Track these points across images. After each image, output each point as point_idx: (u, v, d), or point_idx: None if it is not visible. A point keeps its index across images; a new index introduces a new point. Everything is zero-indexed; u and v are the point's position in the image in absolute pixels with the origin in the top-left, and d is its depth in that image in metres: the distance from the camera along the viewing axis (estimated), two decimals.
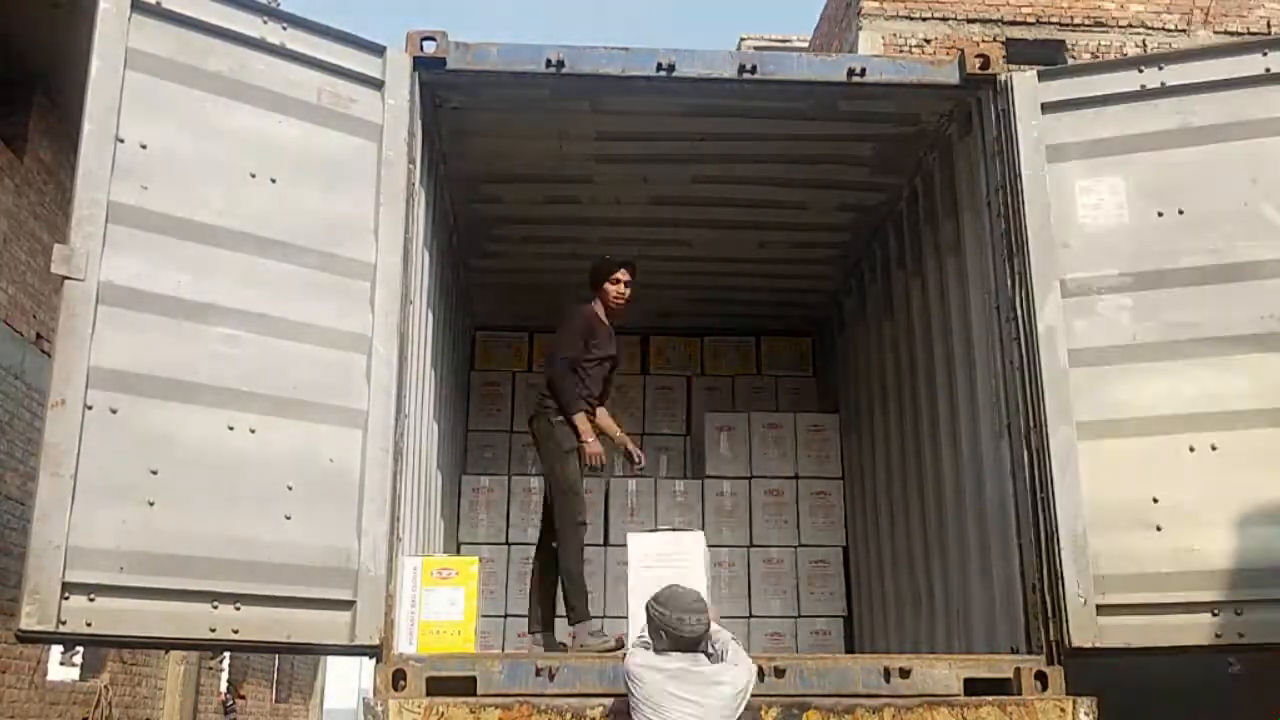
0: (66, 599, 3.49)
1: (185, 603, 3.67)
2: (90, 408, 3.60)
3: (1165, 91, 4.49)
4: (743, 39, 17.70)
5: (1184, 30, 12.21)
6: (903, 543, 6.23)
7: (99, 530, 3.55)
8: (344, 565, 3.90)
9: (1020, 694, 3.97)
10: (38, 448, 3.62)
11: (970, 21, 12.10)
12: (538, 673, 3.91)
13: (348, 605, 3.89)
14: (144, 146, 3.87)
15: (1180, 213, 4.37)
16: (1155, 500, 4.13)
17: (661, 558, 4.53)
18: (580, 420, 5.17)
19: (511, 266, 7.07)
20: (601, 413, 5.52)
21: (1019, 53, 11.61)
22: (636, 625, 3.96)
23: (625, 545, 6.78)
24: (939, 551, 5.58)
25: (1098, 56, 11.77)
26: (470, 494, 7.30)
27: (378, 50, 4.41)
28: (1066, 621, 4.02)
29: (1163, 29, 12.22)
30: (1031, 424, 4.29)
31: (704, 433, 7.58)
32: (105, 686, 10.33)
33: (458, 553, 6.82)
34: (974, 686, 4.02)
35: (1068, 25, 12.21)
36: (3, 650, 8.20)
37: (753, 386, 8.13)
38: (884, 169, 5.81)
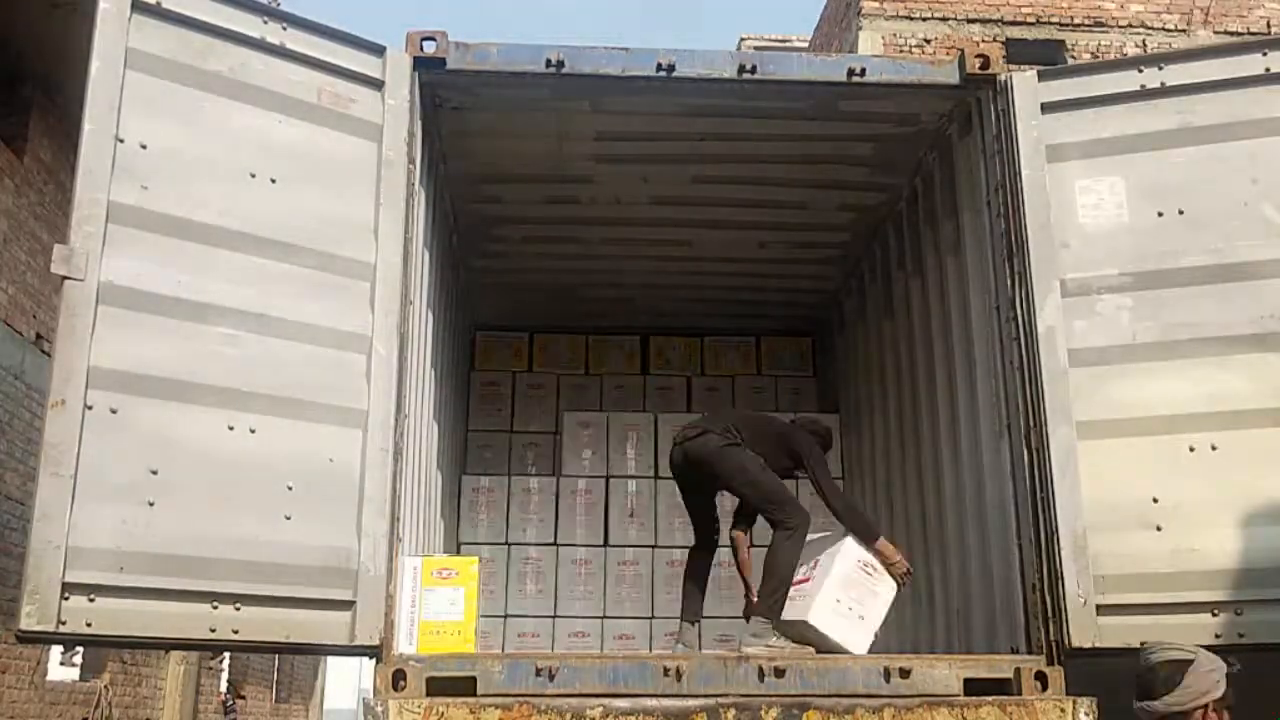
0: (66, 599, 3.48)
1: (185, 603, 3.66)
2: (90, 408, 3.59)
3: (1165, 91, 4.48)
4: (743, 39, 17.72)
5: (1184, 30, 12.21)
6: (903, 543, 6.21)
7: (99, 530, 3.54)
8: (344, 565, 3.90)
9: (1020, 694, 3.96)
10: (38, 448, 3.62)
11: (970, 21, 12.10)
12: (538, 673, 3.91)
13: (348, 605, 3.88)
14: (144, 146, 3.86)
15: (1180, 213, 4.37)
16: (1155, 500, 4.13)
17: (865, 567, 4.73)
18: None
19: (511, 266, 7.07)
20: None
21: (1019, 53, 11.61)
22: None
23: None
24: (939, 551, 5.58)
25: (1098, 56, 11.77)
26: (470, 494, 7.30)
27: (377, 50, 4.41)
28: (1066, 621, 4.01)
29: (1163, 29, 12.22)
30: (1031, 424, 4.28)
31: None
32: (105, 686, 10.33)
33: (458, 553, 6.81)
34: (974, 686, 4.01)
35: (1068, 25, 12.21)
36: (3, 650, 8.20)
37: (753, 386, 8.10)
38: (884, 169, 5.81)
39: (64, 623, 3.49)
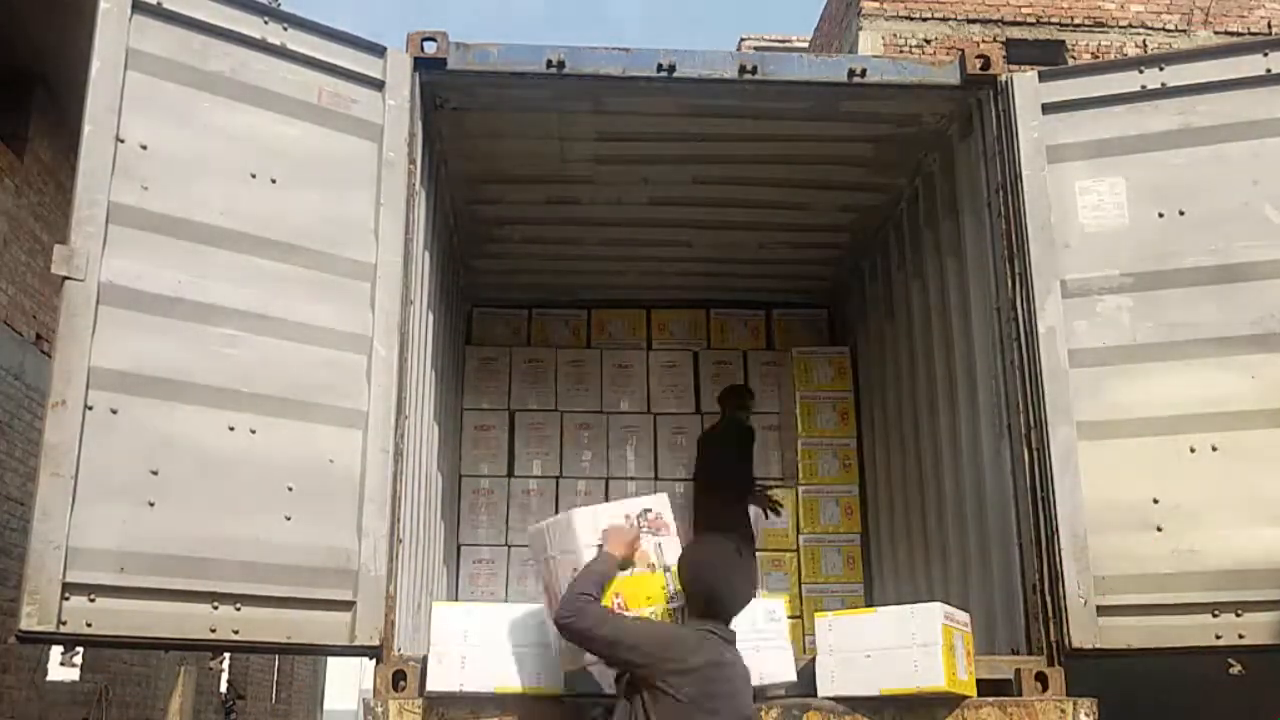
0: (67, 599, 3.49)
1: (185, 603, 3.66)
2: (90, 408, 3.60)
3: (1166, 92, 4.48)
4: (743, 39, 17.73)
5: (1184, 30, 12.23)
6: (903, 543, 6.22)
7: (99, 530, 3.55)
8: (344, 566, 3.90)
9: (1020, 694, 3.96)
10: (38, 448, 3.62)
11: (971, 22, 12.11)
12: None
13: (348, 606, 3.88)
14: (144, 147, 3.87)
15: (1181, 213, 4.37)
16: (1155, 501, 4.13)
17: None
18: None
19: (512, 267, 7.07)
20: None
21: (1019, 53, 11.63)
22: None
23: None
24: (939, 552, 5.58)
25: (1098, 56, 11.79)
26: (470, 495, 7.28)
27: (378, 51, 4.41)
28: (1067, 622, 4.02)
29: (1163, 29, 12.24)
30: (1031, 424, 4.28)
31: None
32: (105, 686, 10.32)
33: (457, 554, 6.84)
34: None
35: (1068, 25, 12.22)
36: (3, 650, 8.19)
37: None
38: (884, 170, 5.81)
39: (64, 623, 3.49)
